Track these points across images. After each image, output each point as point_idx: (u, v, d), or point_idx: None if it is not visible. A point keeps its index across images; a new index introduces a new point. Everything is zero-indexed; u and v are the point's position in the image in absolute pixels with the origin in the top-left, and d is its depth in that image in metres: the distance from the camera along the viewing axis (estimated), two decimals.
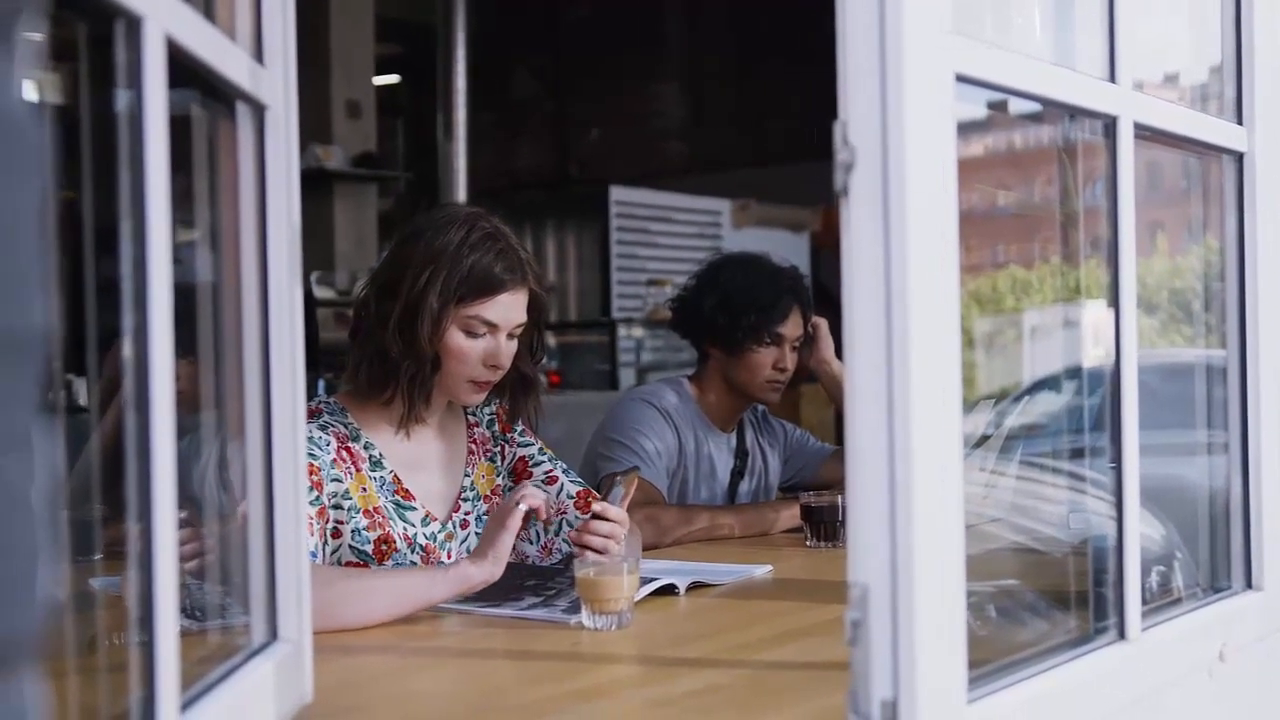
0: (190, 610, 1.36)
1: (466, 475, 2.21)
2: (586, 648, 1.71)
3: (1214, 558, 1.77)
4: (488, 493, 2.23)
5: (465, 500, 2.19)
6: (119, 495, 0.99)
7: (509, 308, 2.07)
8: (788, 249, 6.04)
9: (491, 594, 1.97)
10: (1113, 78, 1.43)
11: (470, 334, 2.06)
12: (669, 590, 2.01)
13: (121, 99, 0.95)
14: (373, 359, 2.07)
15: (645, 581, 1.95)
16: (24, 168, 0.54)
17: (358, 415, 2.12)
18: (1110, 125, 1.42)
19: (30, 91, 0.57)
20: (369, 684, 1.56)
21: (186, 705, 1.04)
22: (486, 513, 2.20)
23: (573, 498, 2.23)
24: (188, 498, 1.09)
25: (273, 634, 1.31)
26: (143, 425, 0.95)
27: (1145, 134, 1.48)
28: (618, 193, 7.53)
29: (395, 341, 2.03)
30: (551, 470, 2.26)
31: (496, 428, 2.27)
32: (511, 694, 1.52)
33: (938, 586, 1.11)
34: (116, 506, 1.03)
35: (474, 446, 2.24)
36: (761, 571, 2.24)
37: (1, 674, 0.52)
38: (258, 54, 1.28)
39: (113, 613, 1.40)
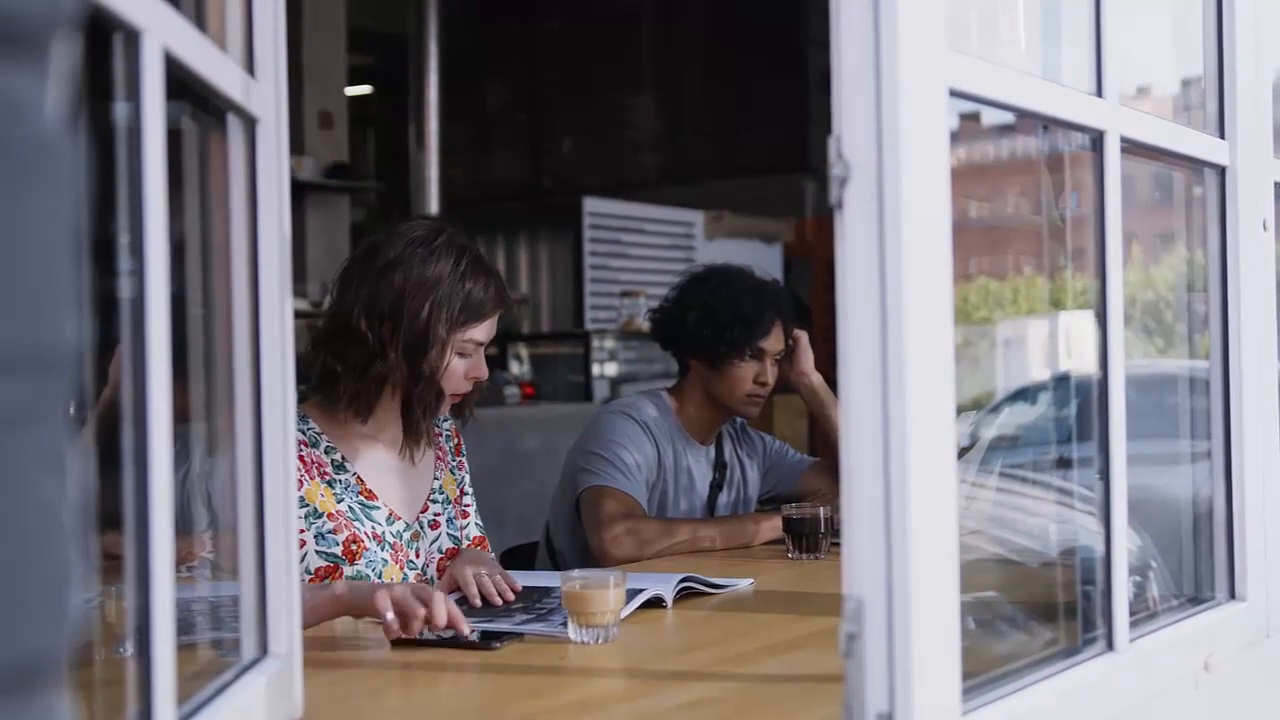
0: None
1: (436, 478, 2.28)
2: (574, 662, 1.71)
3: (1197, 568, 1.78)
4: (453, 499, 2.31)
5: (435, 501, 2.26)
6: (103, 510, 0.98)
7: (493, 326, 2.20)
8: (760, 260, 6.01)
9: (484, 613, 1.96)
10: (1099, 92, 1.44)
11: (462, 355, 2.16)
12: (655, 604, 2.01)
13: (119, 110, 0.94)
14: (372, 382, 2.11)
15: (631, 596, 1.94)
16: (59, 186, 0.54)
17: (323, 422, 2.16)
18: (1098, 139, 1.43)
19: (62, 109, 0.57)
20: (358, 699, 1.55)
21: None
22: (454, 517, 2.28)
23: (469, 540, 2.32)
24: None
25: (263, 649, 1.30)
26: (139, 439, 0.94)
27: (1130, 148, 1.49)
28: (591, 204, 7.52)
29: (401, 368, 2.10)
30: (469, 506, 2.36)
31: (451, 445, 2.35)
32: (500, 708, 1.51)
33: (933, 599, 1.11)
34: (101, 521, 1.02)
35: (440, 454, 2.31)
36: (744, 584, 2.24)
37: (34, 692, 0.51)
38: (249, 66, 1.27)
39: (99, 629, 1.38)
